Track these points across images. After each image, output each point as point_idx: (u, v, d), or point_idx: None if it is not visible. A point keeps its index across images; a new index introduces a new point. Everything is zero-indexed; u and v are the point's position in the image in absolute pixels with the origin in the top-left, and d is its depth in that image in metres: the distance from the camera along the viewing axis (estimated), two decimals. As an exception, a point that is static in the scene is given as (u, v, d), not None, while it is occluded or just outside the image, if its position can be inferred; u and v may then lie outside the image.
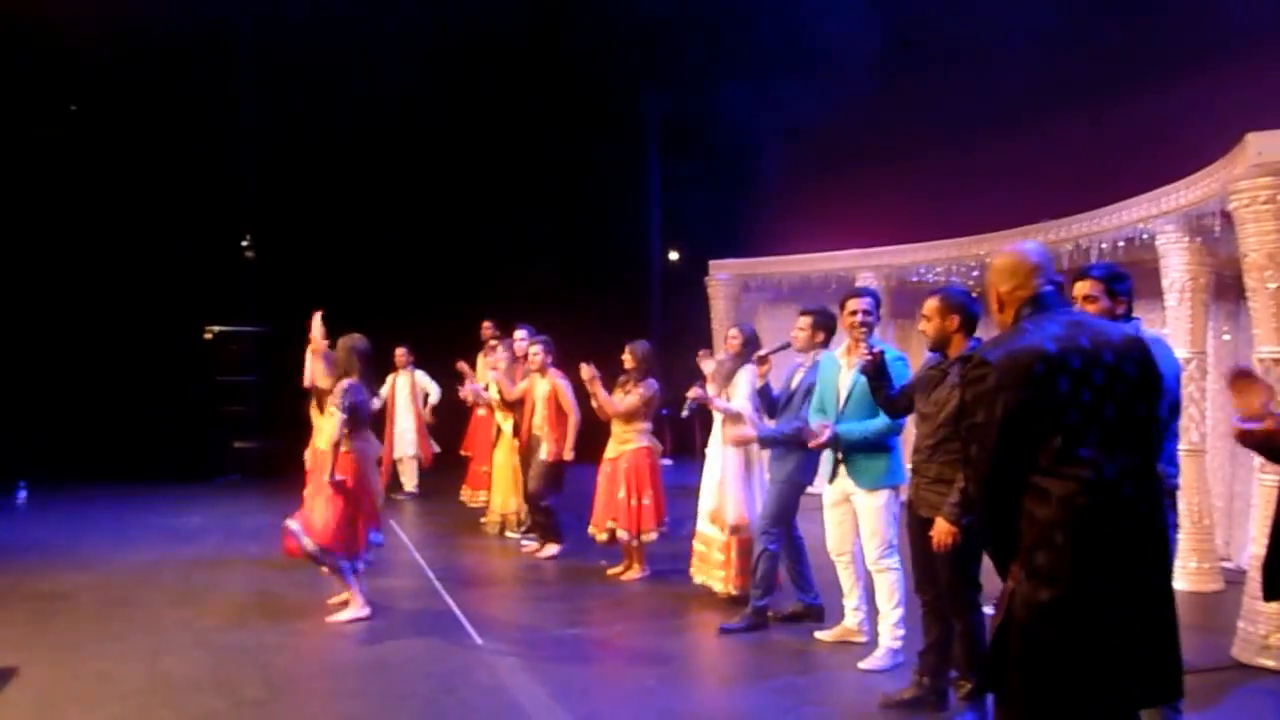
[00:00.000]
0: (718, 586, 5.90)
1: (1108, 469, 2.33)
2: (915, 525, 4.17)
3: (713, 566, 5.96)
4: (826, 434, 4.72)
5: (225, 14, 11.45)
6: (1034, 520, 2.35)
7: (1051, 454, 2.33)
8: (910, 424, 4.55)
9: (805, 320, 5.42)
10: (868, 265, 9.76)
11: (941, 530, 3.91)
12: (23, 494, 9.68)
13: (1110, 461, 2.33)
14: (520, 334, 7.75)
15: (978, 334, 4.08)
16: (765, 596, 5.40)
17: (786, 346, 5.61)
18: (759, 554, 5.38)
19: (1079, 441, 2.33)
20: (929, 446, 4.08)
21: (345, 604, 5.57)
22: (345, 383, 5.43)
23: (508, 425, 8.10)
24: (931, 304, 4.14)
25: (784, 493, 5.38)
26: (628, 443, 6.59)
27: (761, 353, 5.56)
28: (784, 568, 5.66)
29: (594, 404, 6.71)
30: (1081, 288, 3.64)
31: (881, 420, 4.64)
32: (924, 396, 4.14)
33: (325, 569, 5.50)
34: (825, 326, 5.38)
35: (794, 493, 5.41)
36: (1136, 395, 2.42)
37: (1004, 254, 2.67)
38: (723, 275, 11.07)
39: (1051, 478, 2.33)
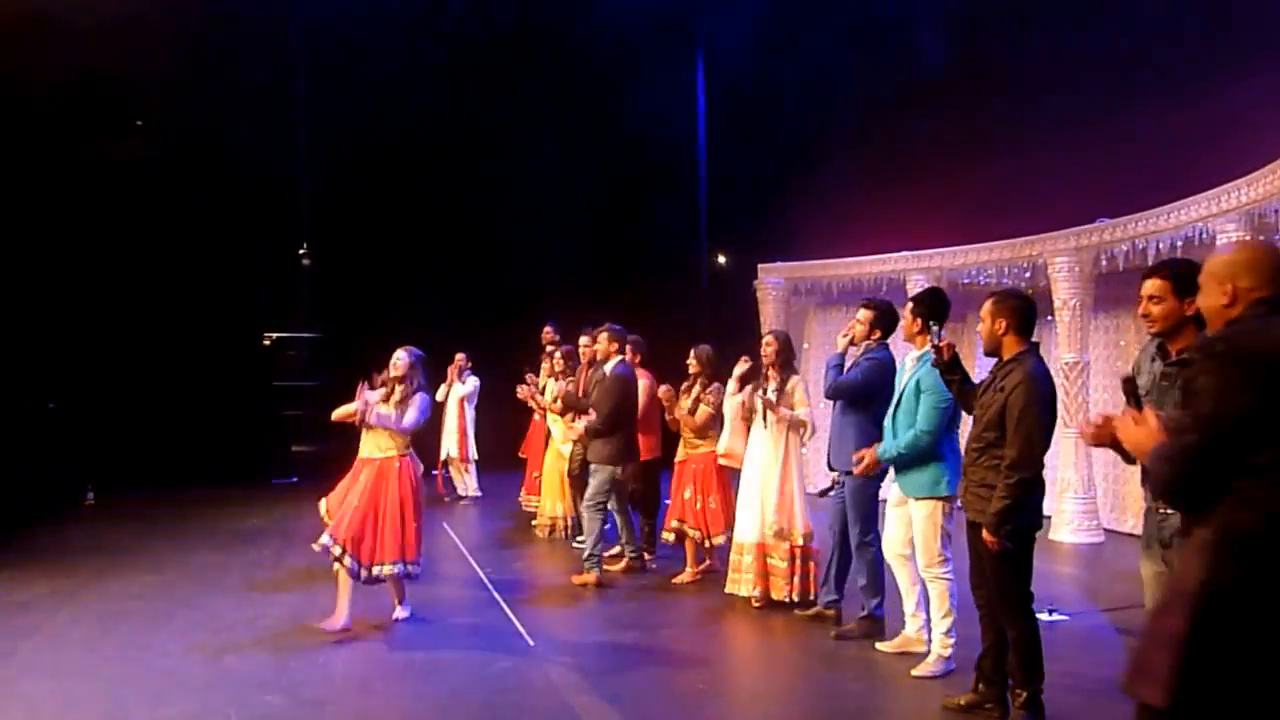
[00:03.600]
0: (781, 594, 5.88)
1: None
2: (968, 528, 4.15)
3: (777, 576, 5.92)
4: (867, 461, 4.83)
5: (281, 25, 11.71)
6: (1232, 526, 2.16)
7: (1271, 463, 2.12)
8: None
9: (866, 314, 5.37)
10: (919, 267, 9.65)
11: (987, 539, 3.90)
12: (90, 496, 9.99)
13: None
14: (583, 339, 7.62)
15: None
16: (877, 597, 5.38)
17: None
18: (865, 560, 5.38)
19: None
20: (975, 450, 4.04)
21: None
22: (422, 396, 5.56)
23: (557, 429, 8.16)
24: (985, 306, 4.09)
25: (863, 493, 5.37)
26: (698, 447, 6.63)
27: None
28: (833, 566, 5.68)
29: (667, 417, 6.82)
30: (1147, 287, 3.31)
31: (910, 434, 4.65)
32: (978, 400, 4.12)
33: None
34: (884, 325, 5.34)
35: (873, 490, 5.41)
36: None
37: (1252, 247, 2.44)
38: (772, 279, 11.02)
39: (1265, 487, 2.13)
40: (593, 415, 6.66)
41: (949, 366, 4.22)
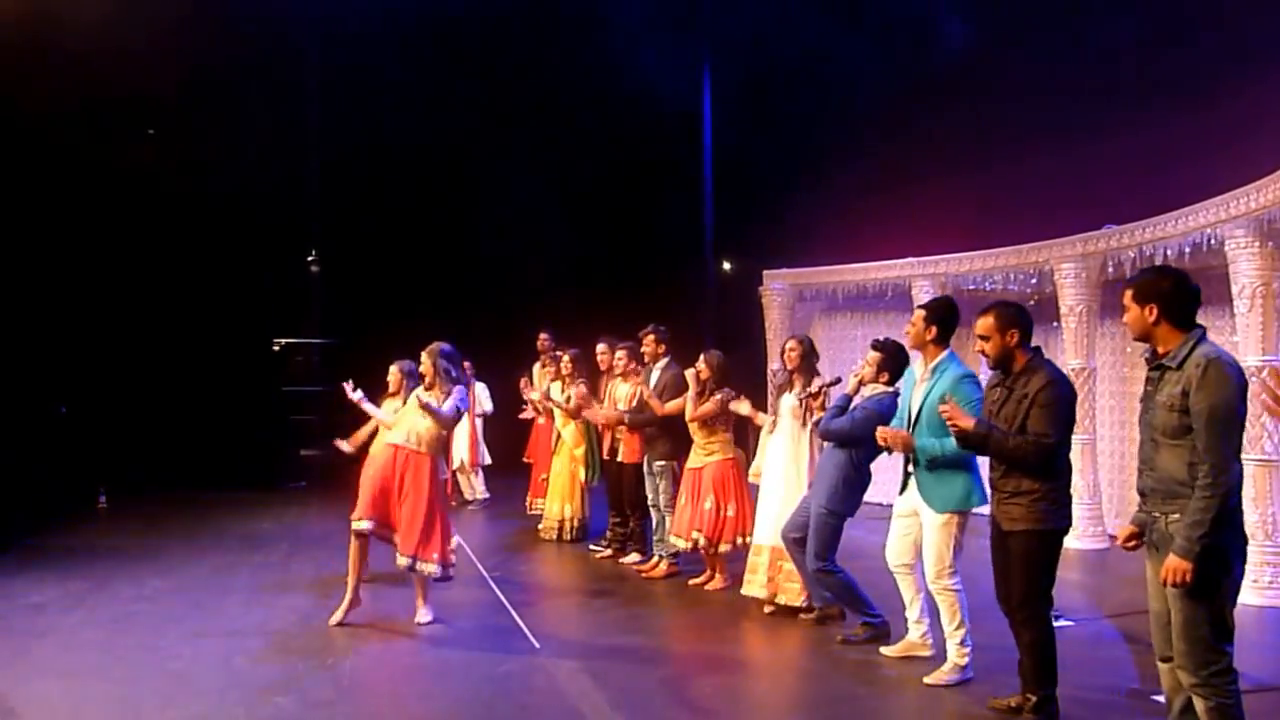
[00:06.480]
0: (795, 600, 5.86)
1: None
2: (998, 539, 4.15)
3: (789, 581, 5.88)
4: (896, 439, 4.62)
5: (291, 35, 11.79)
6: None
7: None
8: None
9: (874, 356, 5.35)
10: (924, 274, 9.65)
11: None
12: (102, 500, 10.06)
13: None
14: (601, 347, 7.70)
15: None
16: (867, 609, 5.40)
17: (837, 382, 5.76)
18: (829, 583, 5.42)
19: None
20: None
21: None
22: (460, 389, 5.73)
23: (568, 432, 8.21)
24: (987, 322, 4.09)
25: (827, 524, 5.38)
26: (712, 454, 6.60)
27: (813, 389, 5.61)
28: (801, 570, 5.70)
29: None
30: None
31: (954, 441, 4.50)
32: (993, 414, 4.10)
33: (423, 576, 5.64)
34: (891, 368, 5.30)
35: (837, 524, 5.41)
36: None
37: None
38: (777, 285, 11.03)
39: None
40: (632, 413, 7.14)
41: None
